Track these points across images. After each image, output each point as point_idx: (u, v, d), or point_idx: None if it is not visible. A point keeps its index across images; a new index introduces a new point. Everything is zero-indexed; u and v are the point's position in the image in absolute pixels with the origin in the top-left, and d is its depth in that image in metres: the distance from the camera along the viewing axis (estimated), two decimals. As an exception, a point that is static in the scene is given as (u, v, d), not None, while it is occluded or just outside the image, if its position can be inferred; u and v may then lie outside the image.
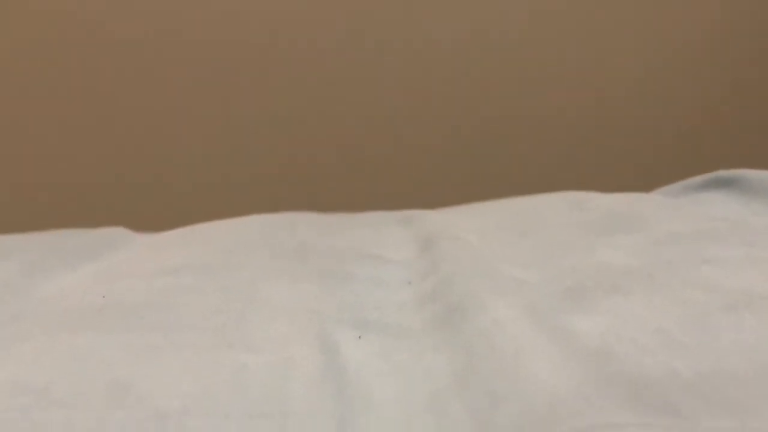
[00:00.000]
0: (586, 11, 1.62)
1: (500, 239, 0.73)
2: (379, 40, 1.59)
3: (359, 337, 0.49)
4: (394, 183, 1.64)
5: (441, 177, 1.64)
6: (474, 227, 0.79)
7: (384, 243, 0.74)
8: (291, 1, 1.56)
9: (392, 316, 0.54)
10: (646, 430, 0.34)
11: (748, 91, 1.66)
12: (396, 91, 1.61)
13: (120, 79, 1.55)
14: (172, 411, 0.38)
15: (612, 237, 0.66)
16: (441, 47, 1.60)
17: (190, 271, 0.60)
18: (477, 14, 1.60)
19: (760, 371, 0.38)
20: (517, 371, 0.41)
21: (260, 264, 0.63)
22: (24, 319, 0.51)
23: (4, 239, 0.73)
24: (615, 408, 0.36)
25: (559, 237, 0.68)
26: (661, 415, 0.35)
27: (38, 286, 0.59)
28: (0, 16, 1.50)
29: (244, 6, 1.55)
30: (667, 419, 0.35)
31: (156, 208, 1.58)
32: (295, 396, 0.41)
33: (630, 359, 0.40)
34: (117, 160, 1.57)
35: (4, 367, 0.42)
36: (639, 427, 0.34)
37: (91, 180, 1.57)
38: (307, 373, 0.44)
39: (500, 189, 1.64)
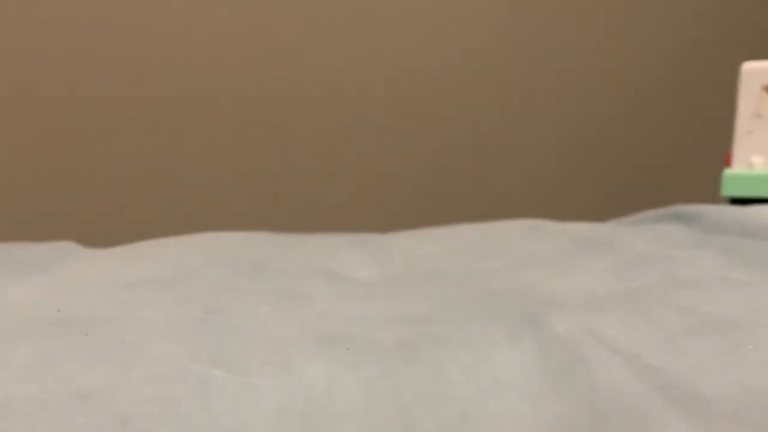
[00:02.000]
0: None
1: (464, 259, 0.74)
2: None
3: (326, 352, 0.50)
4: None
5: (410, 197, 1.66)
6: (435, 248, 0.80)
7: (340, 261, 0.75)
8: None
9: (357, 332, 0.54)
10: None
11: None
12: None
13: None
14: (135, 416, 0.38)
15: (582, 259, 0.68)
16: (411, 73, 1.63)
17: (146, 285, 0.60)
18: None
19: (724, 393, 0.40)
20: (487, 392, 0.42)
21: (216, 279, 0.63)
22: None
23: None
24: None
25: (526, 258, 0.70)
26: None
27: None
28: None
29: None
30: None
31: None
32: (260, 414, 0.41)
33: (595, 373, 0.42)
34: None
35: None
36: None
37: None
38: (272, 390, 0.44)
39: (460, 214, 1.66)
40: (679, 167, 1.70)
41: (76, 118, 1.56)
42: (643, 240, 0.74)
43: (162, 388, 0.41)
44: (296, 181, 1.62)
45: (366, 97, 1.62)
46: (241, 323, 0.53)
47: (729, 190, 1.04)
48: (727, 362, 0.43)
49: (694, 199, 1.64)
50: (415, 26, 1.61)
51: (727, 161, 1.23)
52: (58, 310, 0.53)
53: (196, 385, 0.42)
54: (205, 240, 0.78)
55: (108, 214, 1.58)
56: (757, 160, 1.04)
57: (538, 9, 1.62)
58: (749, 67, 1.03)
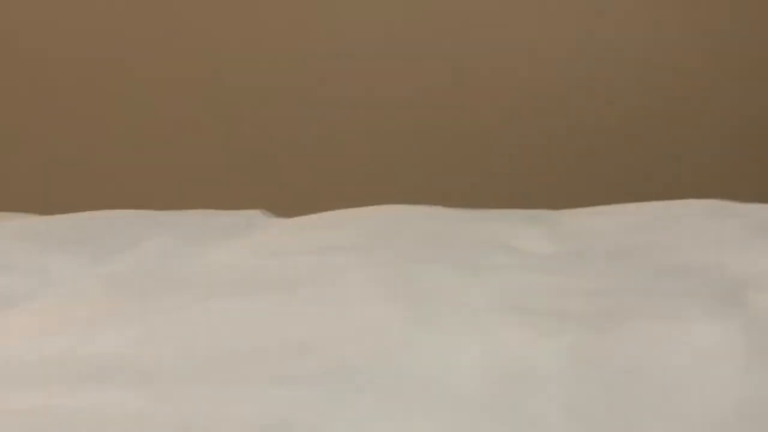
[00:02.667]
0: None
1: (646, 235, 0.74)
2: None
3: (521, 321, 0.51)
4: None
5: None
6: (612, 225, 0.80)
7: (517, 236, 0.77)
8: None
9: (545, 302, 0.56)
10: None
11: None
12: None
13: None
14: (355, 366, 0.41)
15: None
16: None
17: (339, 251, 0.63)
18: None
19: None
20: (691, 364, 0.43)
21: (403, 248, 0.66)
22: (193, 285, 0.55)
23: (157, 214, 0.79)
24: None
25: (714, 237, 0.69)
26: None
27: (197, 256, 0.64)
28: None
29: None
30: None
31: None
32: (465, 374, 0.44)
33: None
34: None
35: (192, 327, 0.47)
36: None
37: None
38: (474, 352, 0.46)
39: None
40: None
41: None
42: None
43: (374, 342, 0.44)
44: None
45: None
46: (434, 290, 0.56)
47: None
48: None
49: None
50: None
51: None
52: (262, 269, 0.58)
53: (404, 341, 0.45)
54: (386, 212, 0.81)
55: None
56: None
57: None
58: None
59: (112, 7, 1.59)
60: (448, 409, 0.40)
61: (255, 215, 0.82)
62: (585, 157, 1.61)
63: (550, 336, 0.49)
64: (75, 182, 1.63)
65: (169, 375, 0.40)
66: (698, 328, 0.47)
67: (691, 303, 0.52)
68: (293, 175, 1.61)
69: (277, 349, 0.43)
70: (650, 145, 1.61)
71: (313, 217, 0.80)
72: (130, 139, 1.61)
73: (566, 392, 0.43)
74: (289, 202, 1.59)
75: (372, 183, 1.63)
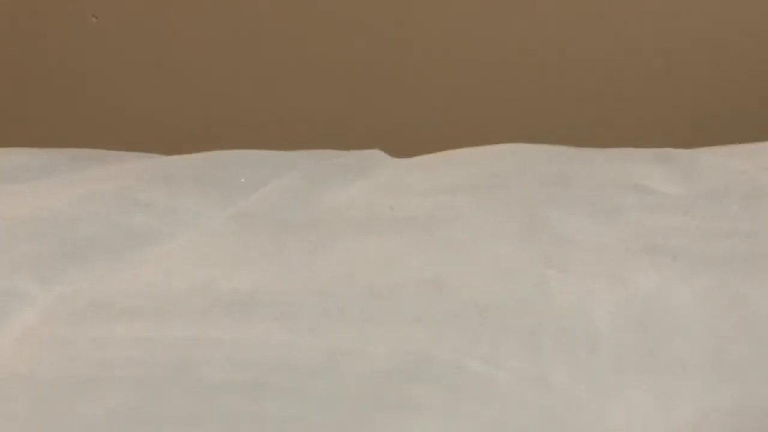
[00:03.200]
0: None
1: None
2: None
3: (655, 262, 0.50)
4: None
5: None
6: (746, 164, 0.77)
7: (647, 175, 0.75)
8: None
9: (681, 243, 0.54)
10: None
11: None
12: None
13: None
14: (489, 305, 0.42)
15: None
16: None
17: (466, 191, 0.64)
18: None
19: None
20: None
21: (530, 188, 0.66)
22: (325, 224, 0.57)
23: (279, 154, 0.81)
24: None
25: None
26: None
27: (323, 195, 0.66)
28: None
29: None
30: None
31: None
32: (599, 316, 0.43)
33: None
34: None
35: (328, 265, 0.48)
36: None
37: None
38: (607, 294, 0.46)
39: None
40: None
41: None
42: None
43: (507, 283, 0.45)
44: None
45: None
46: (564, 231, 0.55)
47: None
48: None
49: None
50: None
51: None
52: (391, 209, 0.59)
53: (537, 282, 0.45)
54: (509, 151, 0.80)
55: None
56: None
57: None
58: None
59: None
60: (583, 353, 0.40)
61: (375, 154, 0.83)
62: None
63: (687, 279, 0.48)
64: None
65: (310, 311, 0.41)
66: None
67: None
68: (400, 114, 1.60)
69: (412, 288, 0.44)
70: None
71: (434, 157, 0.80)
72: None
73: (707, 337, 0.42)
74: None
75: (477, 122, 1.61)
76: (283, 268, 0.48)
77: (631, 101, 1.58)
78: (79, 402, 0.33)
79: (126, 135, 1.60)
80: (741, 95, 1.53)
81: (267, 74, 1.60)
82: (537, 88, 1.58)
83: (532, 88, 1.59)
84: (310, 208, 0.62)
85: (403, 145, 1.10)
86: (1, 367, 0.37)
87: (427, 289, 0.44)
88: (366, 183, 0.70)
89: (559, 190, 0.66)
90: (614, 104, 1.58)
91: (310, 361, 0.36)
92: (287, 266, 0.48)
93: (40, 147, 0.97)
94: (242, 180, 0.71)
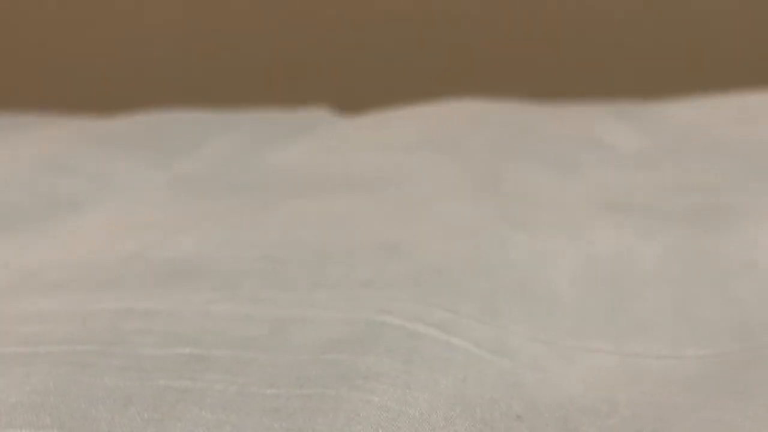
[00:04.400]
0: None
1: (741, 127, 0.72)
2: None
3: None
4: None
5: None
6: (702, 117, 0.78)
7: (609, 130, 0.75)
8: None
9: (643, 199, 0.54)
10: None
11: None
12: None
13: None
14: (445, 267, 0.41)
15: None
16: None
17: (419, 148, 0.62)
18: None
19: None
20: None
21: (487, 144, 0.65)
22: (268, 186, 0.55)
23: (218, 116, 0.79)
24: None
25: None
26: None
27: (266, 156, 0.64)
28: None
29: None
30: None
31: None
32: (561, 275, 0.43)
33: None
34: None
35: (273, 229, 0.47)
36: None
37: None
38: (569, 253, 0.45)
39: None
40: None
41: None
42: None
43: (465, 243, 0.44)
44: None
45: None
46: (523, 187, 0.55)
47: None
48: None
49: None
50: None
51: None
52: (338, 167, 0.57)
53: (497, 242, 0.45)
54: (463, 107, 0.79)
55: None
56: None
57: None
58: None
59: None
60: (543, 316, 0.39)
61: (321, 114, 0.81)
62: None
63: (650, 237, 0.48)
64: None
65: (253, 278, 0.40)
66: None
67: None
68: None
69: (363, 251, 0.43)
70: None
71: (385, 115, 0.79)
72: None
73: (671, 295, 0.42)
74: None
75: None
76: (224, 233, 0.47)
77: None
78: (2, 379, 0.31)
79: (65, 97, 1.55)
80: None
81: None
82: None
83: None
84: (252, 169, 0.60)
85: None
86: None
87: (379, 252, 0.43)
88: (312, 142, 0.68)
89: (516, 145, 0.66)
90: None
91: (253, 332, 0.34)
92: (228, 231, 0.47)
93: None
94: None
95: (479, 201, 0.50)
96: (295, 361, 0.32)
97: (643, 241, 0.47)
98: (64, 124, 0.85)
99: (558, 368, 0.35)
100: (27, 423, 0.29)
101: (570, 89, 1.41)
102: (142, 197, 0.58)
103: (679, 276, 0.43)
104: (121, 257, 0.44)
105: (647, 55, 1.57)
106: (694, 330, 0.38)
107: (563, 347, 0.36)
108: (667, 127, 0.74)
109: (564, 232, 0.48)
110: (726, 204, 0.52)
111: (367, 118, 0.79)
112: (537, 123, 0.75)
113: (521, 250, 0.44)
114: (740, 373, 0.34)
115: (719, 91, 0.95)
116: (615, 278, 0.43)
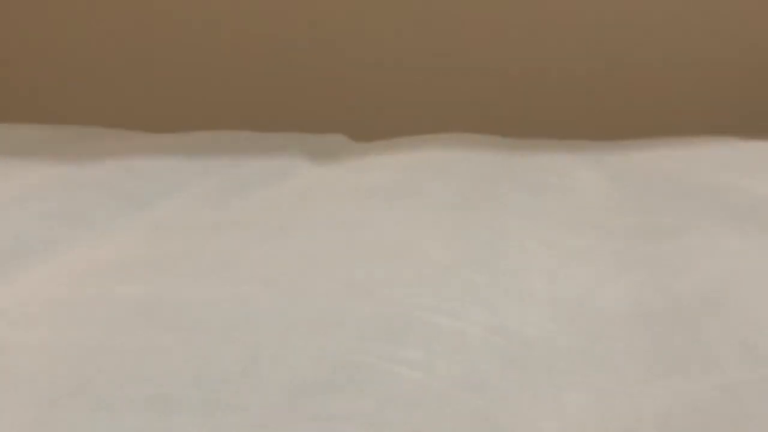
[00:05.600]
0: None
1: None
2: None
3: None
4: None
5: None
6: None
7: (576, 176, 0.77)
8: None
9: (609, 243, 0.56)
10: None
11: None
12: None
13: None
14: (416, 309, 0.42)
15: None
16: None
17: (389, 190, 0.65)
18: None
19: None
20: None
21: (458, 192, 0.67)
22: (237, 227, 0.57)
23: (189, 162, 0.79)
24: None
25: None
26: None
27: (236, 199, 0.65)
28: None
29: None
30: None
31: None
32: (532, 321, 0.44)
33: None
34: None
35: (243, 267, 0.47)
36: None
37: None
38: (541, 300, 0.46)
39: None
40: None
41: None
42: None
43: (435, 285, 0.45)
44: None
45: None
46: (490, 233, 0.56)
47: None
48: None
49: None
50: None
51: None
52: (314, 213, 0.59)
53: (466, 285, 0.46)
54: (436, 153, 0.81)
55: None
56: None
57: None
58: None
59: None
60: (516, 355, 0.40)
61: (297, 161, 0.82)
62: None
63: (617, 276, 0.49)
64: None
65: (223, 318, 0.40)
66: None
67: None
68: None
69: (334, 291, 0.44)
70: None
71: (360, 162, 0.81)
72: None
73: (639, 333, 0.43)
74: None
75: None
76: (195, 272, 0.47)
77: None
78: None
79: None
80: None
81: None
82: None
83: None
84: (222, 211, 0.62)
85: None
86: None
87: (351, 293, 0.44)
88: (285, 186, 0.69)
89: (487, 191, 0.68)
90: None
91: (223, 372, 0.35)
92: (199, 271, 0.47)
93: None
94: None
95: (449, 245, 0.52)
96: (266, 401, 0.33)
97: (610, 282, 0.49)
98: (38, 166, 0.84)
99: (529, 408, 0.35)
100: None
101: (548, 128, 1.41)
102: (114, 238, 0.58)
103: (646, 315, 0.44)
104: (92, 296, 0.44)
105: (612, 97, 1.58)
106: (662, 368, 0.39)
107: (535, 387, 0.37)
108: (634, 171, 0.77)
109: (536, 274, 0.49)
110: (686, 245, 0.54)
111: (338, 165, 0.80)
112: (507, 170, 0.77)
113: (492, 292, 0.45)
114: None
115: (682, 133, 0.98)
116: (585, 318, 0.44)
